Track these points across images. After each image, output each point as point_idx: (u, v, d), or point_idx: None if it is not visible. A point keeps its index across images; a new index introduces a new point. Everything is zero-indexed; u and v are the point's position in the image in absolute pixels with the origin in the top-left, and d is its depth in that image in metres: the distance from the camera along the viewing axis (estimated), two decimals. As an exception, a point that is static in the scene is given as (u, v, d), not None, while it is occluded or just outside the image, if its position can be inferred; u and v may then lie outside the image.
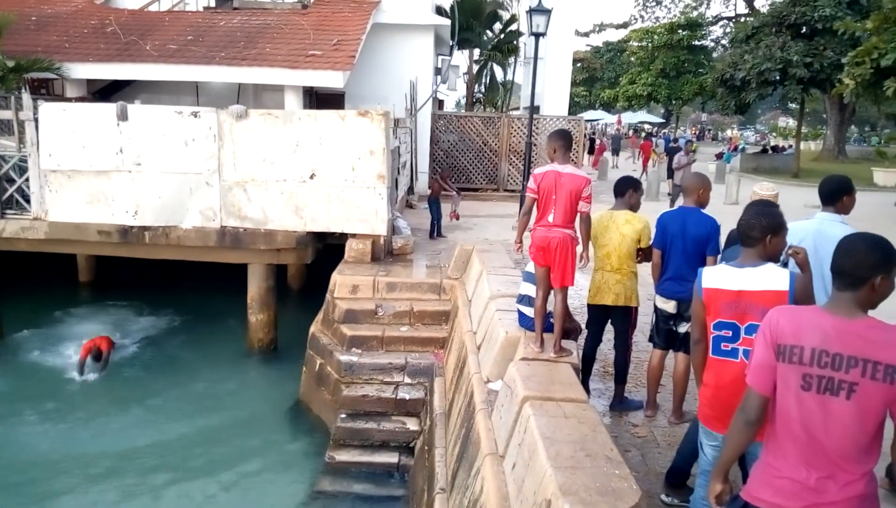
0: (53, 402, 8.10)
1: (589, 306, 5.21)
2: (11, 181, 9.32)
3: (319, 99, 14.93)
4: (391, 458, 6.73)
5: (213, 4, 15.48)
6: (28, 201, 9.30)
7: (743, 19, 36.26)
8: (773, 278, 2.94)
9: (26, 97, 9.08)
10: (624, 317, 5.09)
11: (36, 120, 8.98)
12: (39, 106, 9.01)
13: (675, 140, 32.85)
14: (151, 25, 13.60)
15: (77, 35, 13.15)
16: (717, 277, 3.07)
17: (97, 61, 12.17)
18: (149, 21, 13.94)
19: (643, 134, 43.05)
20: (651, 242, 4.82)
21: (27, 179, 9.22)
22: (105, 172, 9.05)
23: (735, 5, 43.26)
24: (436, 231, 10.95)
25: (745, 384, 2.40)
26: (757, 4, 35.81)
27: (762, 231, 2.98)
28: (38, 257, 10.23)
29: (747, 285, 2.96)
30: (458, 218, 12.08)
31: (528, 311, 4.99)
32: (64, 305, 11.16)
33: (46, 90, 13.98)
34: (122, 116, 8.89)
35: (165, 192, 9.07)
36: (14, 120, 9.13)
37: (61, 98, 12.65)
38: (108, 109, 9.00)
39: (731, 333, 3.01)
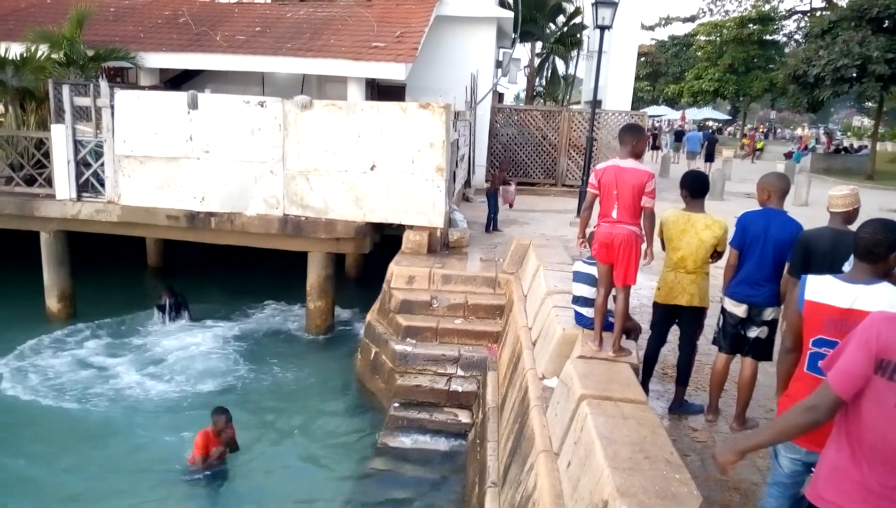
0: (125, 365, 8.60)
1: (657, 305, 5.05)
2: (88, 165, 9.75)
3: (380, 91, 15.04)
4: (442, 446, 6.77)
5: (280, -4, 15.80)
6: (102, 185, 9.71)
7: (819, 13, 34.70)
8: (891, 298, 2.65)
9: (104, 85, 9.44)
10: (694, 318, 4.95)
11: (112, 107, 9.35)
12: (115, 93, 9.38)
13: (701, 128, 32.29)
14: (222, 17, 13.98)
15: (151, 25, 13.63)
16: (823, 290, 2.82)
17: (170, 51, 12.57)
18: (219, 12, 14.33)
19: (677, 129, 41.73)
20: (728, 243, 4.62)
21: (102, 164, 9.63)
22: (175, 158, 9.37)
23: (811, -1, 41.51)
24: (492, 225, 10.91)
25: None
26: (834, -2, 34.21)
27: (889, 248, 2.67)
28: (110, 240, 10.66)
29: (860, 304, 2.70)
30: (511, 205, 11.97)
31: (584, 311, 4.92)
32: (133, 287, 11.65)
33: (121, 78, 14.52)
34: (193, 104, 9.17)
35: (231, 179, 9.32)
36: (92, 107, 9.55)
37: (135, 86, 13.12)
38: (180, 97, 9.30)
39: (830, 351, 2.80)
